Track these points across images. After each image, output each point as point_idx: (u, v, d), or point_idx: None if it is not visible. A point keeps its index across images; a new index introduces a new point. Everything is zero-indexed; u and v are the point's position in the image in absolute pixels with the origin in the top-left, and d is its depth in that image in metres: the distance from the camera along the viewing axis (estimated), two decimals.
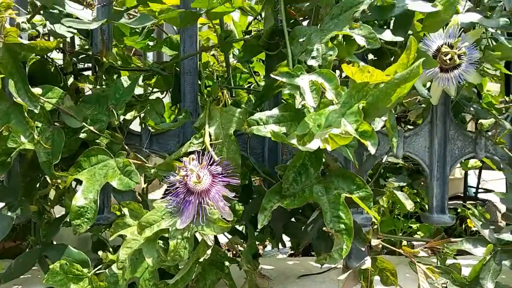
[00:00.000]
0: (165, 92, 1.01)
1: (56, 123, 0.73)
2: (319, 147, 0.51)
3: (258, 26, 0.91)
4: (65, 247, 0.76)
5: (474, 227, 0.74)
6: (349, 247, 0.56)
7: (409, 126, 0.98)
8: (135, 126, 0.91)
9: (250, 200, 0.81)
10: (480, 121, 0.87)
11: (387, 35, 0.60)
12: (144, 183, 1.09)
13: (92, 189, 0.65)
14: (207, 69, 0.98)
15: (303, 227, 0.77)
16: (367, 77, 0.50)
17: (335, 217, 0.58)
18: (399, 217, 1.08)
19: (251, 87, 1.12)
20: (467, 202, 1.27)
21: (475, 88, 1.13)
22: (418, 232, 1.10)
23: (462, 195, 1.36)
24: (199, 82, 0.88)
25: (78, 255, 0.75)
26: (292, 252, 1.02)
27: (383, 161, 0.81)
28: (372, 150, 0.48)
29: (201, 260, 0.57)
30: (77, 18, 0.78)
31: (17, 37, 0.66)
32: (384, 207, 1.01)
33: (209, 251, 0.57)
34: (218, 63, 1.05)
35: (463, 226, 1.23)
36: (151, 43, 1.05)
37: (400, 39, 0.61)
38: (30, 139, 0.66)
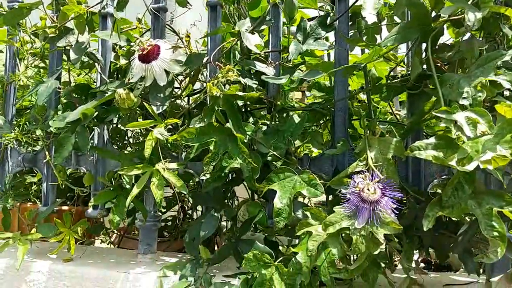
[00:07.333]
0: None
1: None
2: (474, 168, 0.66)
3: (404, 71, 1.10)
4: (254, 242, 1.02)
5: None
6: (503, 251, 0.68)
7: None
8: None
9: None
10: None
11: None
12: None
13: (285, 196, 0.90)
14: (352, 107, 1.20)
15: (451, 241, 0.89)
16: None
17: (489, 226, 0.71)
18: None
19: (388, 119, 1.30)
20: None
21: None
22: None
23: None
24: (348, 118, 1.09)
25: (264, 248, 1.00)
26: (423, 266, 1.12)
27: None
28: None
29: (374, 253, 0.75)
30: (264, 74, 1.08)
31: (235, 91, 0.97)
32: None
33: (382, 246, 0.75)
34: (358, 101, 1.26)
35: None
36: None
37: None
38: (242, 160, 0.95)
